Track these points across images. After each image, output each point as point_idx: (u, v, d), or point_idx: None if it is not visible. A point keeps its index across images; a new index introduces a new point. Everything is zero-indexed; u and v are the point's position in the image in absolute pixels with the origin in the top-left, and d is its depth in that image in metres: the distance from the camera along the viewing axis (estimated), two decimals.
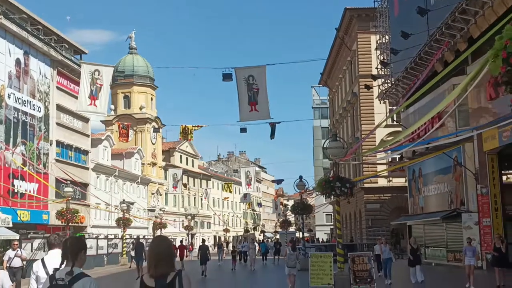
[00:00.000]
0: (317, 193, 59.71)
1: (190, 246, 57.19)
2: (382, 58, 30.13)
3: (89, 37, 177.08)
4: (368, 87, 31.75)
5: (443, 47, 22.62)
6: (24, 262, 18.36)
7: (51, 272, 5.42)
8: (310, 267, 15.86)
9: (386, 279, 19.09)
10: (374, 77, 30.78)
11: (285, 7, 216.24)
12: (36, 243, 26.13)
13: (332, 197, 15.97)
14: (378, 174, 34.21)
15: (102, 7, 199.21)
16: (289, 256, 16.96)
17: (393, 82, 30.14)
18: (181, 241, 29.39)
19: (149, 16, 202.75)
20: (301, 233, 46.38)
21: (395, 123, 38.05)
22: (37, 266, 5.99)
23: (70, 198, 28.43)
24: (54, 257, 5.97)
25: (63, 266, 4.66)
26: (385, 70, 30.75)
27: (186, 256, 27.99)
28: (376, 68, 32.33)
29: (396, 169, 33.11)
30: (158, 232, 56.96)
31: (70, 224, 28.67)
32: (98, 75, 21.26)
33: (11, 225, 30.34)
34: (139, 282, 4.24)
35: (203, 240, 34.04)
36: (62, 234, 7.04)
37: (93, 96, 21.42)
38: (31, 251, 25.83)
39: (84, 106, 21.64)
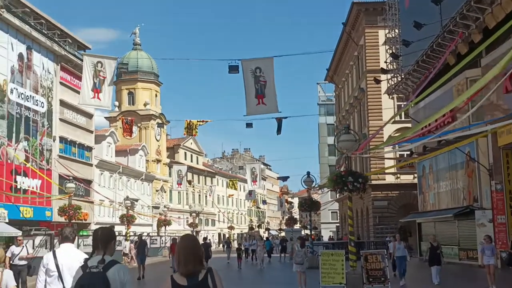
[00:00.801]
0: (323, 190, 59.18)
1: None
2: (392, 51, 29.35)
3: (93, 36, 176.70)
4: (378, 81, 31.01)
5: (457, 39, 21.89)
6: (30, 260, 17.39)
7: (61, 266, 5.80)
8: (320, 265, 15.21)
9: (400, 279, 17.93)
10: (384, 71, 30.01)
11: (292, 2, 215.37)
12: (38, 240, 25.49)
13: (343, 192, 15.28)
14: (389, 168, 33.21)
15: (106, 5, 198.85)
16: (297, 252, 16.91)
17: (402, 76, 29.42)
18: (175, 239, 28.53)
19: (153, 13, 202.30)
20: (308, 230, 45.86)
21: (403, 119, 37.39)
22: (47, 259, 5.95)
23: (72, 194, 27.81)
24: (65, 251, 6.07)
25: (93, 255, 4.76)
26: (395, 63, 29.99)
27: None
28: (385, 62, 31.59)
29: (405, 165, 32.35)
30: (163, 230, 56.52)
31: (72, 220, 28.04)
32: (101, 67, 20.64)
33: (7, 220, 29.73)
34: (170, 281, 4.19)
35: (205, 238, 33.40)
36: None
37: (96, 89, 20.81)
38: (33, 248, 25.24)
39: (87, 99, 21.03)
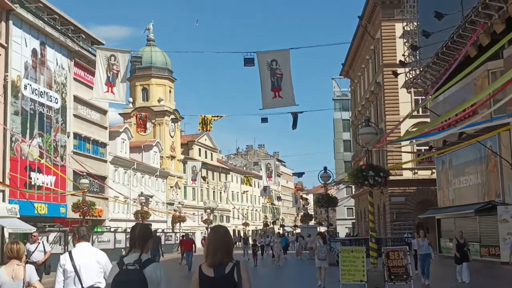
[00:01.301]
0: (338, 186, 58.58)
1: (203, 240, 56.25)
2: (411, 43, 28.66)
3: (106, 33, 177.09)
4: (396, 74, 30.35)
5: (479, 29, 21.22)
6: (47, 256, 16.59)
7: (78, 266, 5.87)
8: (340, 262, 14.73)
9: (423, 278, 17.18)
10: (402, 64, 29.33)
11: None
12: (52, 236, 25.22)
13: (364, 187, 14.78)
14: (408, 162, 32.43)
15: (119, 2, 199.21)
16: (320, 248, 17.08)
17: (421, 69, 28.75)
18: (183, 236, 28.19)
19: (166, 9, 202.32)
20: (324, 227, 45.39)
21: (420, 113, 36.73)
22: (64, 259, 6.00)
23: (86, 190, 27.53)
24: (82, 250, 6.12)
25: (130, 253, 4.75)
26: (414, 56, 29.29)
27: (195, 251, 26.91)
28: (403, 55, 30.93)
29: (424, 160, 31.67)
30: (177, 226, 56.25)
31: (86, 217, 27.76)
32: (114, 60, 20.26)
33: (18, 215, 29.47)
34: (198, 272, 4.22)
35: None
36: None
37: (110, 83, 20.44)
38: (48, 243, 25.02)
39: (100, 93, 20.67)
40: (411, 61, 29.95)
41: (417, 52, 27.92)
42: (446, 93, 25.75)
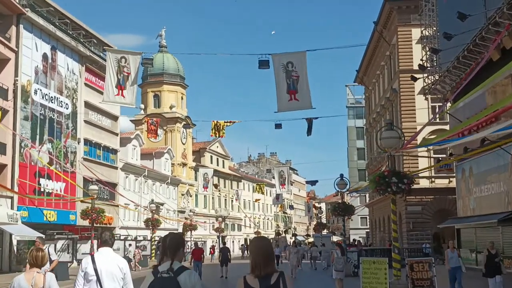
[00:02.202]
0: (352, 194, 57.56)
1: (211, 249, 55.49)
2: (431, 46, 27.76)
3: (118, 41, 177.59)
4: (415, 78, 29.47)
5: (503, 31, 20.34)
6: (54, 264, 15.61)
7: (99, 270, 5.93)
8: (361, 274, 13.88)
9: None
10: (422, 67, 28.45)
11: (321, 2, 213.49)
12: (59, 244, 24.53)
13: (385, 194, 13.95)
14: (430, 168, 31.30)
15: (132, 11, 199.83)
16: (337, 259, 16.91)
17: (441, 74, 27.85)
18: (196, 243, 27.49)
19: (179, 17, 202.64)
20: (337, 236, 44.63)
21: (438, 121, 35.82)
22: (86, 263, 6.02)
23: (95, 197, 26.84)
24: (104, 255, 6.15)
25: (162, 262, 4.86)
26: (433, 60, 28.39)
27: (203, 261, 26.13)
28: (421, 59, 30.04)
29: (443, 167, 30.68)
30: (188, 234, 55.50)
31: (96, 224, 27.06)
32: (125, 62, 19.64)
33: (19, 223, 28.80)
34: (243, 283, 4.22)
35: (224, 243, 32.50)
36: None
37: (120, 86, 19.82)
38: (55, 251, 24.34)
39: (111, 96, 20.04)
40: (430, 66, 29.05)
41: (437, 55, 27.00)
42: (467, 99, 24.84)
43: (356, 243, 43.48)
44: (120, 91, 19.76)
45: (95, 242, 27.06)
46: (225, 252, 27.01)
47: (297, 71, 19.17)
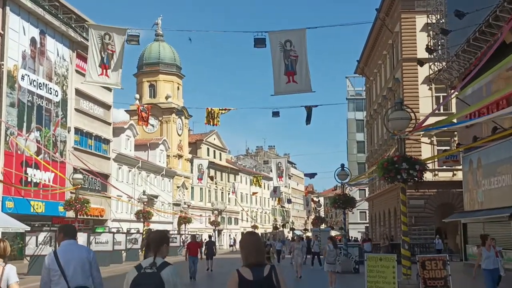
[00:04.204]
0: (351, 188, 56.08)
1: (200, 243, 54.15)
2: (439, 27, 26.13)
3: None
4: (422, 63, 27.93)
5: None
6: None
7: (63, 264, 5.79)
8: (366, 272, 12.39)
9: None
10: (429, 50, 26.87)
11: None
12: (41, 236, 23.05)
13: (394, 182, 12.44)
14: (437, 157, 29.72)
15: (126, 3, 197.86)
16: (329, 252, 16.87)
17: (448, 60, 26.30)
18: (193, 236, 25.77)
19: (174, 7, 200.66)
20: (335, 230, 43.21)
21: (442, 111, 34.34)
22: (49, 259, 5.88)
23: (79, 186, 25.24)
24: (66, 248, 5.99)
25: (146, 257, 4.85)
26: (442, 42, 26.77)
27: (201, 258, 24.32)
28: (427, 45, 28.46)
29: (449, 158, 29.14)
30: (183, 227, 54.07)
31: (82, 216, 25.51)
32: (109, 39, 18.09)
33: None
34: (237, 275, 4.27)
35: (210, 236, 31.17)
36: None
37: (104, 65, 18.28)
38: (36, 245, 22.85)
39: (94, 76, 18.51)
40: (440, 47, 27.42)
41: (446, 37, 25.42)
42: (476, 86, 23.32)
43: (367, 238, 42.09)
44: (104, 70, 18.25)
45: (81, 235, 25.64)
46: (210, 245, 26.75)
47: (295, 51, 17.65)
